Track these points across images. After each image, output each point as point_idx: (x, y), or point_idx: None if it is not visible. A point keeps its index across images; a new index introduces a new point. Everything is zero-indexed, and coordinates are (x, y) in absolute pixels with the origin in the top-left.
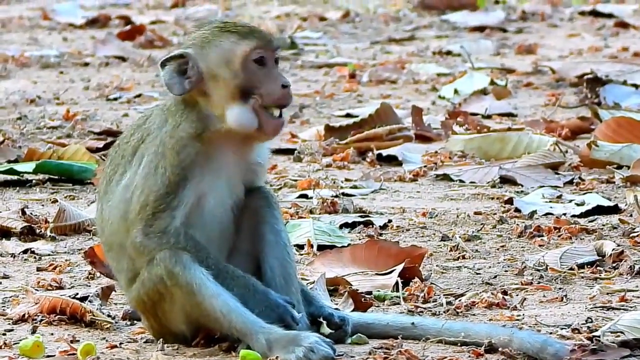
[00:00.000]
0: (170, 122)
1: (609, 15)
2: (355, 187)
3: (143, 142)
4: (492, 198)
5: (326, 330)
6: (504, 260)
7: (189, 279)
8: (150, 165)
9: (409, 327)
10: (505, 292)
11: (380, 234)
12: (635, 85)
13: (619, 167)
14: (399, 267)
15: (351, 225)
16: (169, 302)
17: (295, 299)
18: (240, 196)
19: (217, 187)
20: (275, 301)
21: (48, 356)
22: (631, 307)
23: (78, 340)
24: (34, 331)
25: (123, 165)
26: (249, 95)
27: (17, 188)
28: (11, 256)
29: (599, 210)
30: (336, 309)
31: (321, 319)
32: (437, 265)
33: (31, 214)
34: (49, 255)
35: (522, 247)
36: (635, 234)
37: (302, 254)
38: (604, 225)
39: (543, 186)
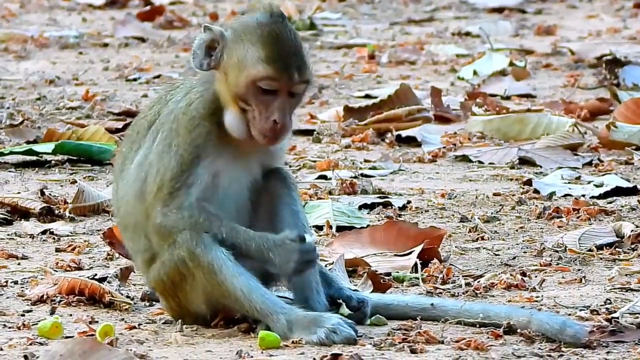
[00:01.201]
0: (187, 98)
1: None
2: (374, 168)
3: (159, 116)
4: (511, 179)
5: (345, 311)
6: (523, 241)
7: (210, 259)
8: (164, 142)
9: (429, 308)
10: (524, 274)
11: (399, 215)
12: None
13: (638, 148)
14: (418, 248)
15: (370, 206)
16: (190, 282)
17: (314, 280)
18: (257, 177)
19: (232, 167)
20: (291, 239)
21: (67, 337)
22: None
23: (97, 321)
24: (52, 312)
25: (137, 142)
26: (246, 109)
27: (36, 169)
28: (30, 237)
29: (617, 191)
30: (355, 290)
31: (340, 301)
32: (456, 247)
33: (50, 194)
34: (67, 236)
35: (541, 228)
36: None
37: (321, 235)
38: (622, 206)
39: (562, 167)
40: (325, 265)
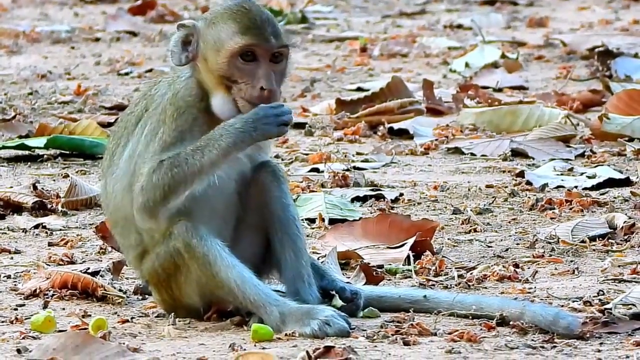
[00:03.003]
0: (172, 89)
1: None
2: (366, 160)
3: (147, 111)
4: (504, 171)
5: (338, 302)
6: (516, 233)
7: (206, 250)
8: (152, 133)
9: (421, 300)
10: (516, 265)
11: (392, 208)
12: None
13: (630, 139)
14: (411, 241)
15: (362, 199)
16: (185, 274)
17: (305, 272)
18: (245, 169)
19: None
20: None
21: (59, 331)
22: None
23: (89, 315)
24: (45, 306)
25: (125, 137)
26: (231, 86)
27: (29, 163)
28: (22, 231)
29: (610, 182)
30: (348, 282)
31: (333, 292)
32: (448, 239)
33: (42, 189)
34: (60, 230)
35: (534, 220)
36: None
37: (313, 228)
38: (615, 197)
39: (554, 159)
40: (318, 258)
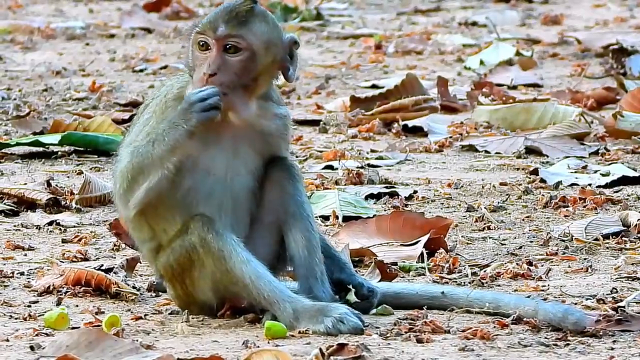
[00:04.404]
0: (170, 85)
1: None
2: (380, 158)
3: (151, 102)
4: (518, 169)
5: (352, 298)
6: (529, 230)
7: (221, 245)
8: (144, 122)
9: (439, 296)
10: (530, 263)
11: (406, 205)
12: None
13: None
14: (424, 238)
15: (376, 196)
16: (199, 269)
17: (319, 270)
18: (254, 165)
19: (218, 155)
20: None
21: (73, 328)
22: None
23: (103, 312)
24: (59, 303)
25: (132, 128)
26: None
27: (43, 160)
28: (36, 228)
29: (624, 180)
30: (364, 279)
31: (350, 287)
32: (462, 236)
33: (56, 185)
34: (74, 227)
35: (548, 217)
36: None
37: (327, 225)
38: (629, 195)
39: (568, 157)
40: None
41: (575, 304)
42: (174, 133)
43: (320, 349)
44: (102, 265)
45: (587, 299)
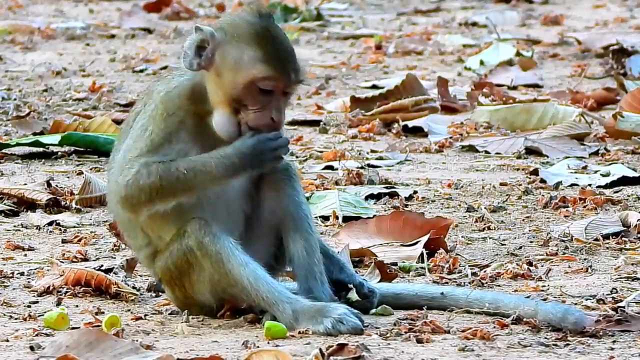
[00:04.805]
0: (167, 87)
1: None
2: (380, 158)
3: (144, 107)
4: (518, 169)
5: (354, 296)
6: (529, 231)
7: (218, 248)
8: (142, 128)
9: (439, 297)
10: (530, 263)
11: (406, 205)
12: None
13: None
14: (424, 238)
15: (376, 197)
16: (197, 272)
17: (318, 270)
18: None
19: None
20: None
21: (73, 328)
22: None
23: (103, 312)
24: (58, 303)
25: (126, 133)
26: (240, 109)
27: (43, 160)
28: (36, 228)
29: (624, 181)
30: (364, 280)
31: (351, 286)
32: (462, 237)
33: (56, 186)
34: (74, 227)
35: (548, 218)
36: None
37: (327, 226)
38: (629, 196)
39: (568, 157)
40: None
41: (575, 304)
42: (230, 170)
43: (320, 349)
44: (102, 265)
45: (587, 299)
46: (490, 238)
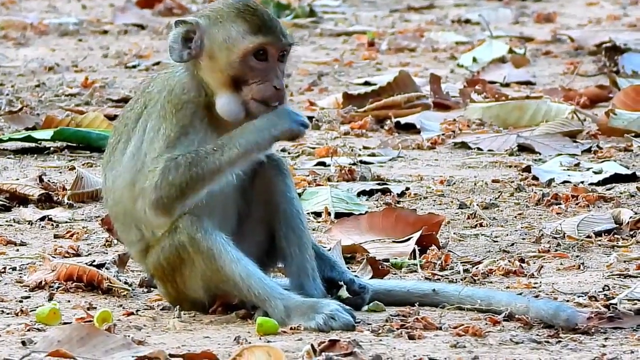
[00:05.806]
0: (167, 86)
1: None
2: (373, 154)
3: (146, 108)
4: (510, 166)
5: (344, 294)
6: (522, 228)
7: (210, 244)
8: (154, 129)
9: (430, 293)
10: (522, 260)
11: (398, 202)
12: None
13: (637, 135)
14: (416, 235)
15: (369, 193)
16: (189, 267)
17: (310, 267)
18: None
19: None
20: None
21: (65, 323)
22: None
23: (95, 308)
24: (50, 298)
25: (127, 133)
26: (241, 86)
27: (35, 155)
28: (28, 223)
29: (616, 178)
30: (356, 276)
31: (341, 283)
32: (454, 233)
33: (49, 181)
34: (66, 222)
35: (540, 215)
36: None
37: (319, 222)
38: (621, 193)
39: (561, 154)
40: None
41: (567, 301)
42: (257, 137)
43: (312, 345)
44: (94, 260)
45: (579, 296)
46: (482, 235)
